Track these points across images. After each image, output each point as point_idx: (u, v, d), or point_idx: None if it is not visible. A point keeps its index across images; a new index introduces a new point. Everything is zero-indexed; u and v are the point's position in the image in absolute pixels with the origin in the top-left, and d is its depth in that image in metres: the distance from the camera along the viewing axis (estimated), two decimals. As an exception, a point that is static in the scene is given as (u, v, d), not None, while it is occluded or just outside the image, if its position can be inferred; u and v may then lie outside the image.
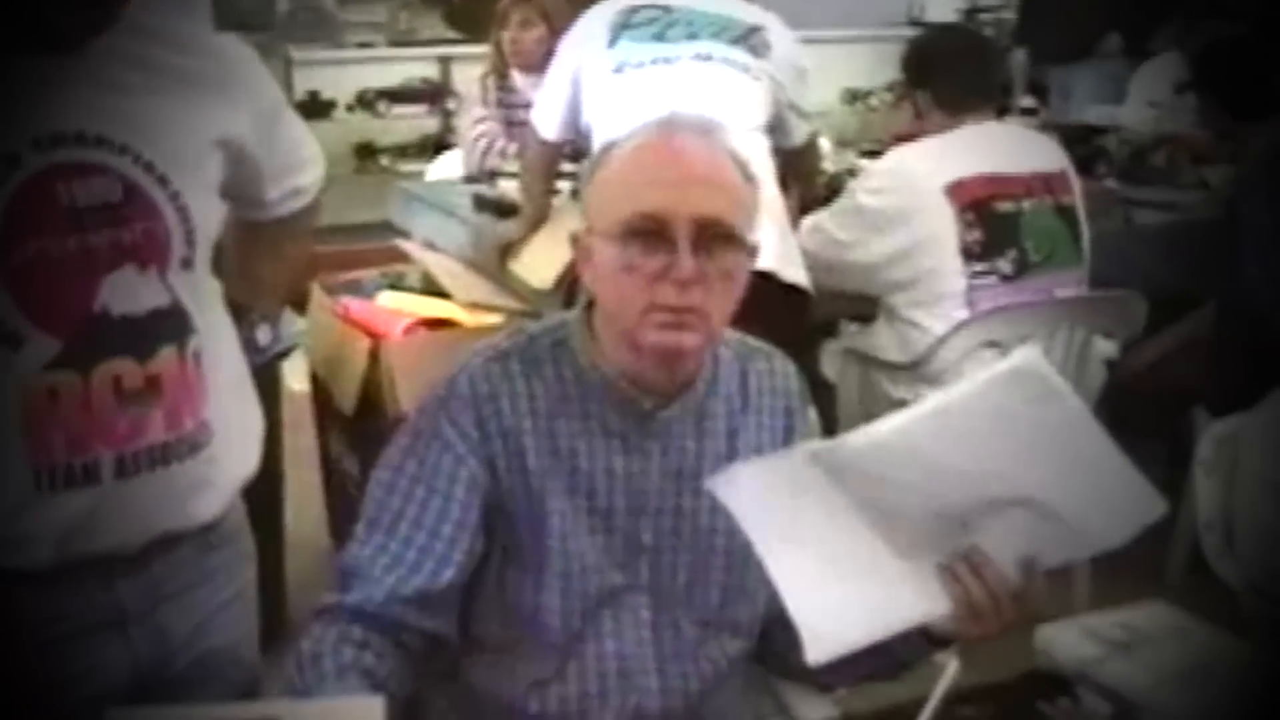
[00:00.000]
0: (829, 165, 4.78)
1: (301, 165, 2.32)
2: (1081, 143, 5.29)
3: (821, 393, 4.23)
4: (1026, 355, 1.76)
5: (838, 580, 1.84)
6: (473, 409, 2.05)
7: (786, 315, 3.72)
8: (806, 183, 4.39)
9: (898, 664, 2.04)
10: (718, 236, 1.97)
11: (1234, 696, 1.99)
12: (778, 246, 3.75)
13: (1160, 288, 4.27)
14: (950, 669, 1.82)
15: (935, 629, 1.93)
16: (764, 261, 3.61)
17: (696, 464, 2.12)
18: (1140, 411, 4.72)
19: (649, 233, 1.95)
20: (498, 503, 2.05)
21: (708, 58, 3.90)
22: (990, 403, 1.74)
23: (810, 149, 4.33)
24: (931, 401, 1.76)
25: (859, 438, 1.79)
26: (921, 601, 1.86)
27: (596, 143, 3.72)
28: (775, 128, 4.06)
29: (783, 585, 1.86)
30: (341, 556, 2.07)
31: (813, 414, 2.28)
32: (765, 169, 3.87)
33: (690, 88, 3.81)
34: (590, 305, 2.11)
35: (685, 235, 1.94)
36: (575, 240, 2.09)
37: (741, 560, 2.12)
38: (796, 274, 3.84)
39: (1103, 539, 1.85)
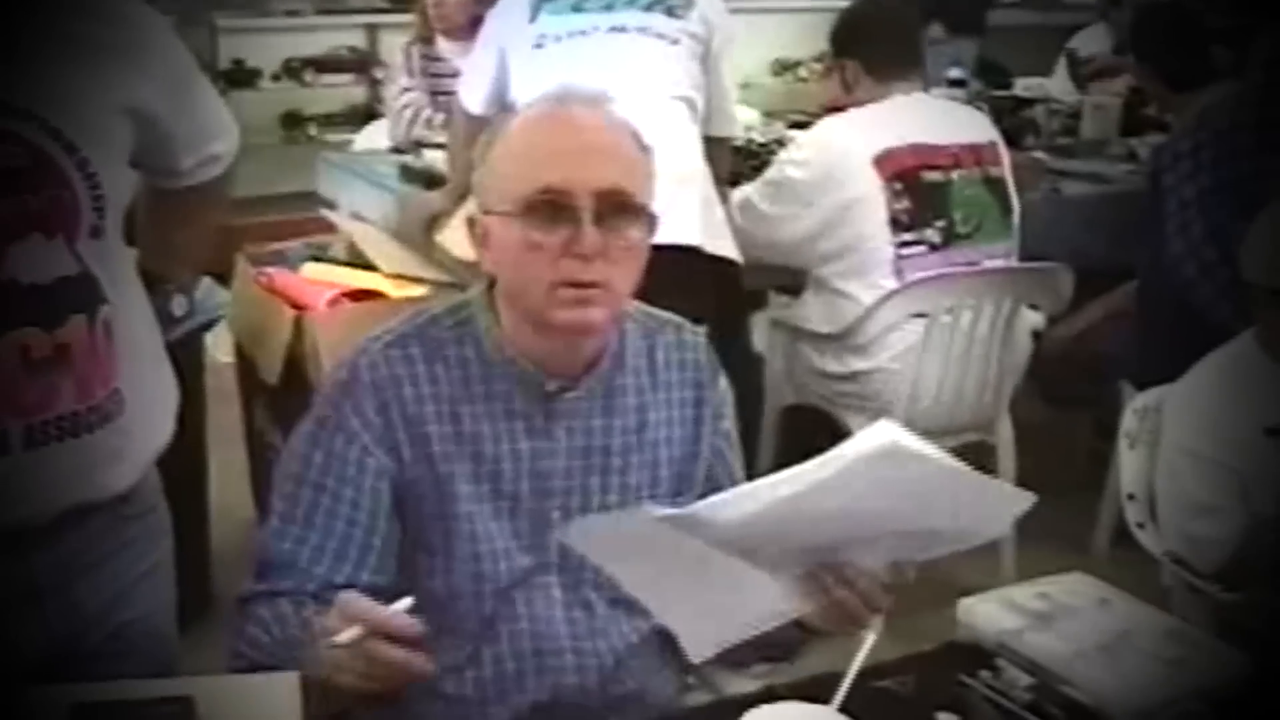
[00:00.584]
0: (757, 136, 4.76)
1: (215, 133, 2.28)
2: (1010, 114, 5.31)
3: (751, 364, 4.26)
4: (889, 433, 1.68)
5: (701, 591, 1.82)
6: (374, 396, 2.04)
7: (716, 288, 3.74)
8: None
9: (785, 649, 2.06)
10: (618, 207, 1.97)
11: (1154, 666, 1.99)
12: (703, 219, 3.76)
13: (1087, 259, 4.30)
14: (868, 641, 1.81)
15: (809, 623, 1.92)
16: (690, 236, 3.70)
17: (605, 442, 2.13)
18: (1068, 383, 4.78)
19: (550, 207, 1.94)
20: (405, 489, 2.05)
21: (623, 29, 3.87)
22: (857, 477, 1.66)
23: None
24: (792, 483, 1.67)
25: (720, 512, 1.70)
26: (787, 602, 1.85)
27: None
28: (703, 105, 4.02)
29: (648, 604, 1.88)
30: (262, 547, 2.05)
31: (723, 383, 2.25)
32: (688, 138, 3.88)
33: (606, 60, 3.79)
34: (491, 286, 2.10)
35: (587, 208, 1.94)
36: (471, 224, 2.07)
37: None
38: (724, 246, 3.84)
39: (977, 537, 1.85)
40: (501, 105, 3.93)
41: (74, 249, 1.93)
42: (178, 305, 3.41)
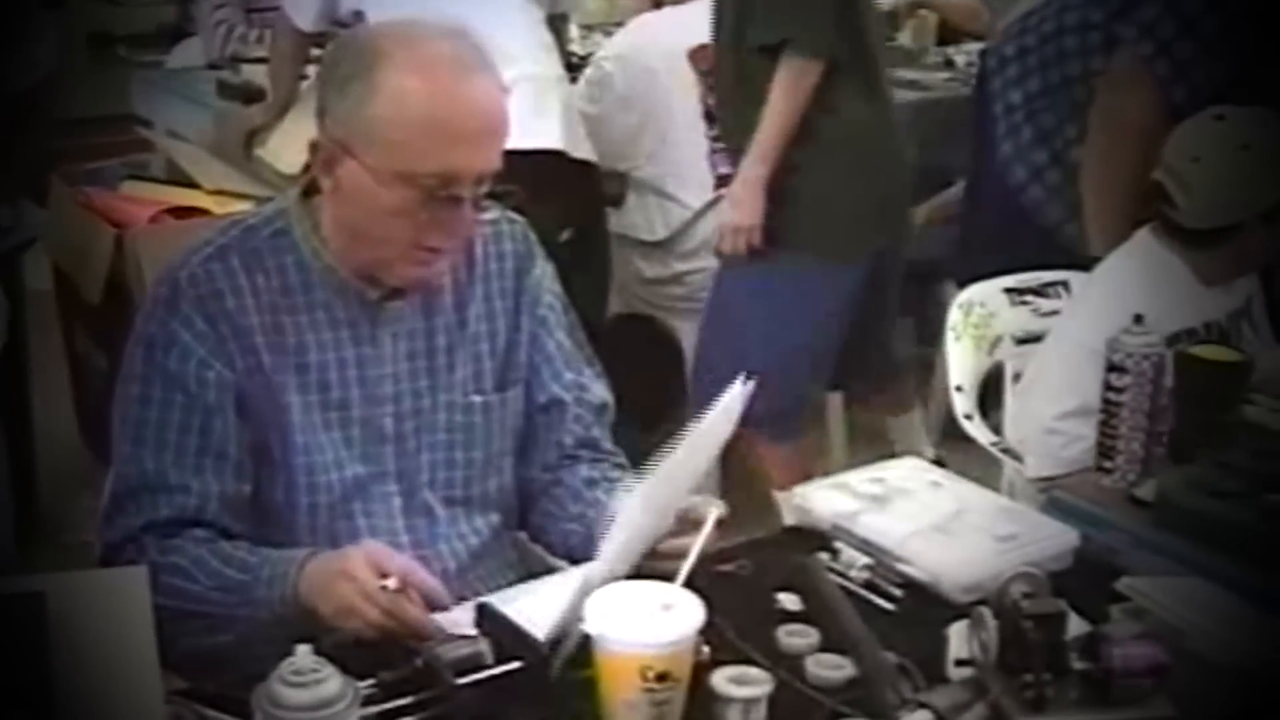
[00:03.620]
0: (576, 48, 4.76)
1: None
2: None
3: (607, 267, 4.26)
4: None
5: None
6: (201, 309, 2.00)
7: (578, 191, 3.82)
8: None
9: None
10: (487, 182, 1.97)
11: (987, 543, 2.04)
12: (565, 126, 3.77)
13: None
14: (709, 522, 1.84)
15: None
16: (554, 141, 3.69)
17: (428, 344, 2.13)
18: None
19: (434, 187, 1.92)
20: (241, 400, 2.02)
21: None
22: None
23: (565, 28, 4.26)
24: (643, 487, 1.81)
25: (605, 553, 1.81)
26: None
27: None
28: None
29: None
30: (120, 477, 2.02)
31: (541, 267, 2.24)
32: (546, 43, 3.90)
33: None
34: (306, 194, 2.07)
35: (470, 192, 1.94)
36: (316, 147, 2.00)
37: (484, 434, 2.15)
38: (585, 150, 3.86)
39: None
40: (332, 20, 3.89)
41: None
42: (4, 215, 3.33)
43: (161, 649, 1.54)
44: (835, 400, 4.29)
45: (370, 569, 1.82)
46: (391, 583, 1.80)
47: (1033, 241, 3.59)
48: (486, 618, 1.80)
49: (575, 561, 2.11)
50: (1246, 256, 2.82)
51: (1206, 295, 2.84)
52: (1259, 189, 2.74)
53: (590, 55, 4.67)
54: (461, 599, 2.03)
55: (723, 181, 3.93)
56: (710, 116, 3.95)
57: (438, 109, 1.92)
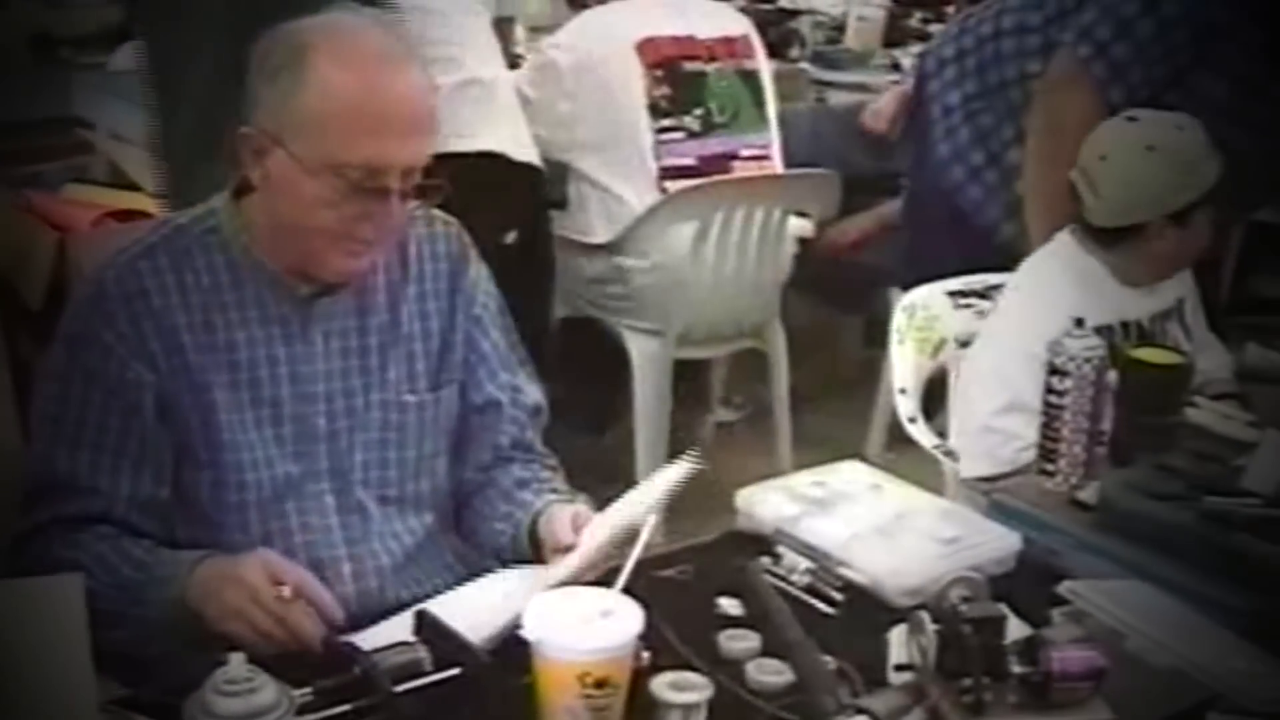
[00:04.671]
0: (522, 50, 4.75)
1: None
2: (775, 26, 5.35)
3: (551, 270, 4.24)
4: None
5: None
6: (125, 308, 1.99)
7: (522, 193, 3.80)
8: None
9: None
10: (415, 175, 1.98)
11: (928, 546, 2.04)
12: (508, 128, 3.78)
13: (853, 168, 4.39)
14: (647, 527, 1.84)
15: None
16: (498, 144, 3.68)
17: (361, 342, 2.13)
18: (839, 290, 4.87)
19: (361, 178, 1.92)
20: (166, 401, 2.01)
21: None
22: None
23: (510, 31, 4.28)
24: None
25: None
26: None
27: None
28: None
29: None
30: (32, 474, 2.02)
31: (476, 270, 2.25)
32: (491, 43, 3.88)
33: None
34: (238, 193, 2.07)
35: (397, 184, 1.95)
36: (245, 138, 1.98)
37: (417, 434, 2.15)
38: (527, 153, 3.85)
39: None
40: None
41: None
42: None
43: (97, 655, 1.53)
44: (781, 403, 4.29)
45: (264, 576, 1.83)
46: (286, 591, 1.81)
47: (972, 242, 3.62)
48: (425, 625, 1.79)
49: (503, 562, 2.12)
50: (1160, 258, 2.85)
51: (1127, 295, 2.87)
52: (1165, 190, 2.77)
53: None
54: (398, 599, 2.05)
55: (667, 174, 3.97)
56: (655, 108, 3.96)
57: (364, 99, 1.93)
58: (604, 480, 2.41)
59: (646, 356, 4.06)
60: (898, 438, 3.25)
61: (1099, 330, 2.56)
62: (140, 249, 2.03)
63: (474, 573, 2.14)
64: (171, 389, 2.01)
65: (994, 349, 2.88)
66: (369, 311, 2.12)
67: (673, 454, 2.00)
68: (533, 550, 2.07)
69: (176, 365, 2.00)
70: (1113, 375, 2.35)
